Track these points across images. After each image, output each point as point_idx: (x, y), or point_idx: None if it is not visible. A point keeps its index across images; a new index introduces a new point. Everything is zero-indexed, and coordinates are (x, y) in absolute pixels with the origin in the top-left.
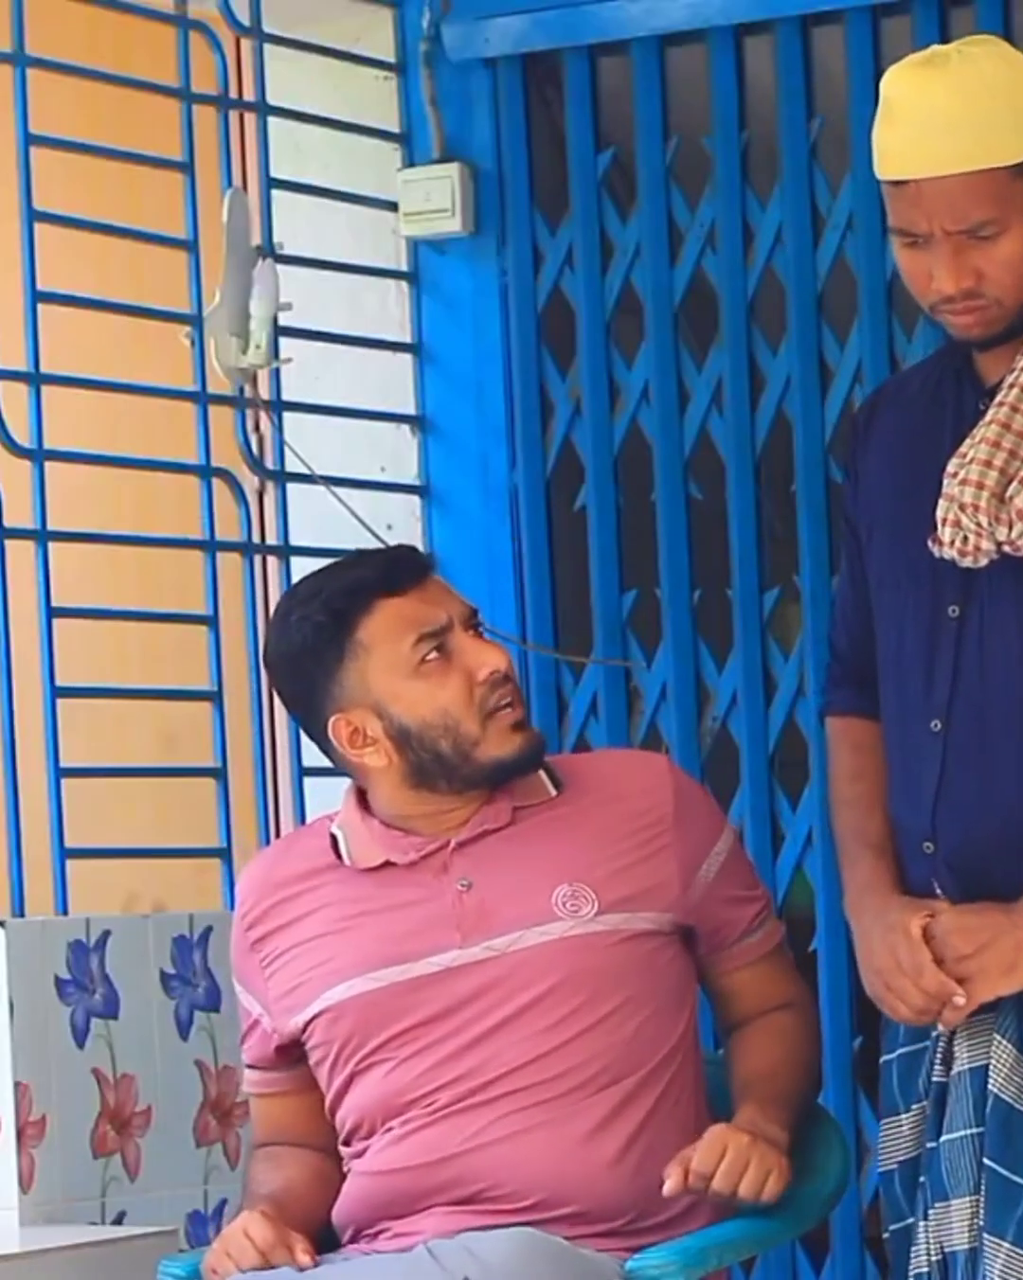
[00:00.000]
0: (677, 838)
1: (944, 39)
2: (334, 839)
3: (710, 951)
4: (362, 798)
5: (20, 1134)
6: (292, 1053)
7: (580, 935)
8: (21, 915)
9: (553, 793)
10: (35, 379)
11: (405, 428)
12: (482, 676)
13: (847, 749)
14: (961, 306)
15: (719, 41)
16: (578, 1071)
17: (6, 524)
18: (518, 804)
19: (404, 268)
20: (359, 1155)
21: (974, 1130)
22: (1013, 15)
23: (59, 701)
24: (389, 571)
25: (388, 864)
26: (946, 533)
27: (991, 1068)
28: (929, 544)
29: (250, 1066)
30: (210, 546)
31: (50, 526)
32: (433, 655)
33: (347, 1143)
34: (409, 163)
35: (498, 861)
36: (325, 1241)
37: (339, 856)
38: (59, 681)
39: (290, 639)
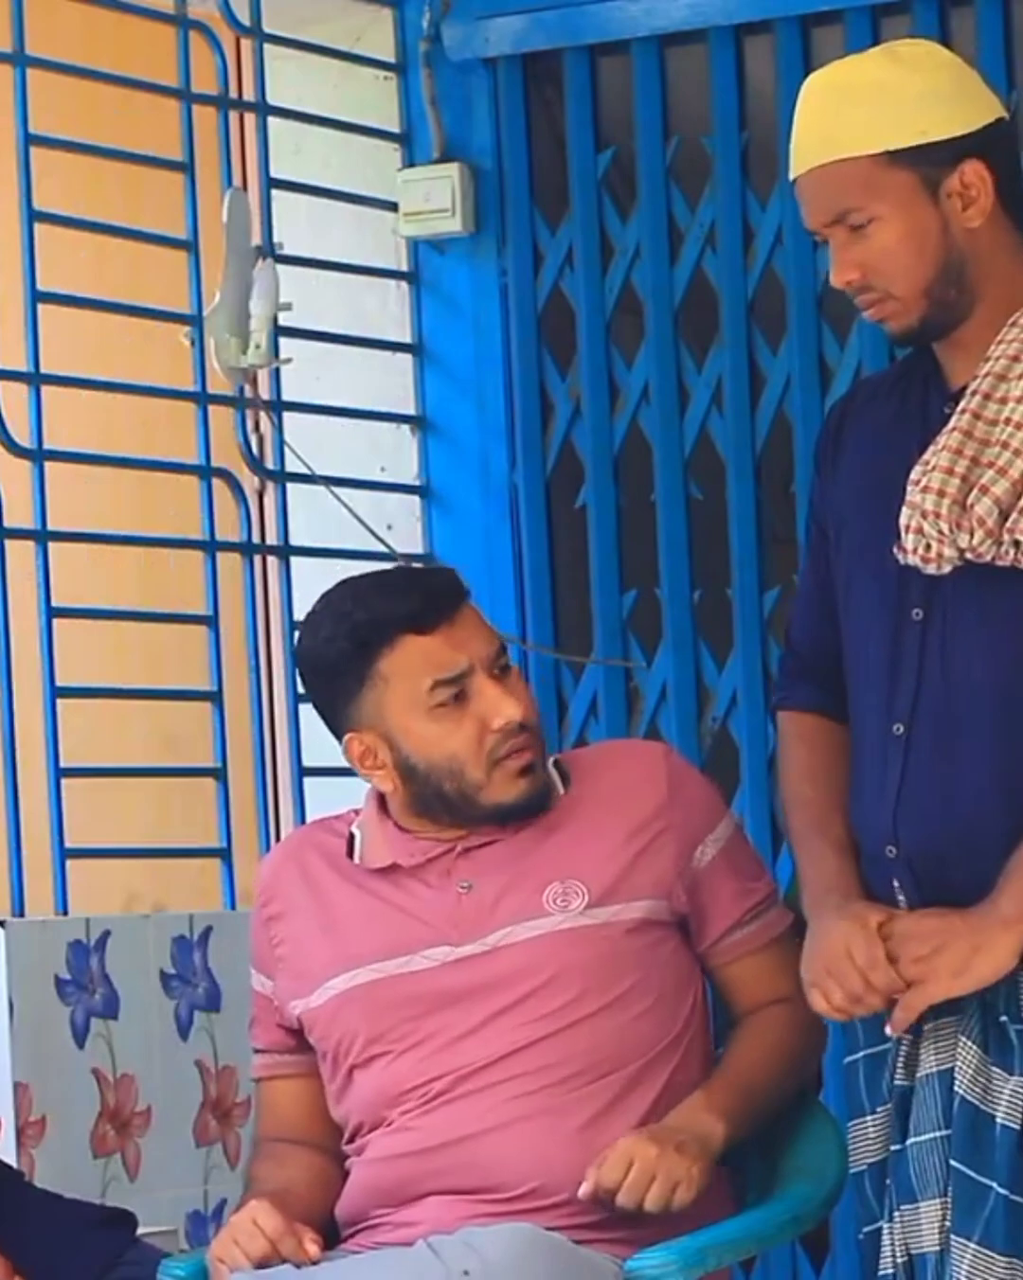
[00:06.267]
0: (671, 824)
1: (945, 39)
2: (351, 838)
3: (707, 942)
4: (382, 798)
5: (20, 1134)
6: (299, 1035)
7: (571, 929)
8: (21, 915)
9: (562, 792)
10: (35, 379)
11: (405, 428)
12: (496, 725)
13: (802, 746)
14: (861, 302)
15: (719, 41)
16: (574, 1061)
17: (6, 524)
18: None
19: (404, 268)
20: (361, 1151)
21: (942, 1133)
22: (1013, 15)
23: (59, 701)
24: (420, 607)
25: (395, 866)
26: (909, 540)
27: (956, 1070)
28: (894, 551)
29: (259, 1051)
30: (210, 546)
31: (50, 526)
32: (449, 701)
33: (351, 1141)
34: (409, 163)
35: (499, 864)
36: (325, 1240)
37: (352, 855)
38: (59, 681)
39: (317, 652)
